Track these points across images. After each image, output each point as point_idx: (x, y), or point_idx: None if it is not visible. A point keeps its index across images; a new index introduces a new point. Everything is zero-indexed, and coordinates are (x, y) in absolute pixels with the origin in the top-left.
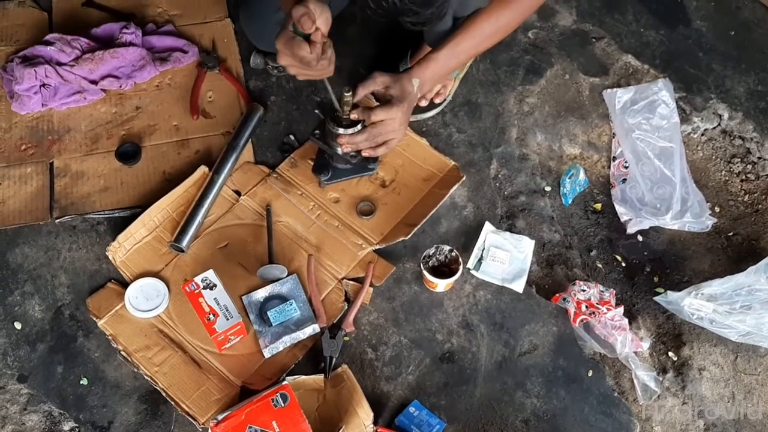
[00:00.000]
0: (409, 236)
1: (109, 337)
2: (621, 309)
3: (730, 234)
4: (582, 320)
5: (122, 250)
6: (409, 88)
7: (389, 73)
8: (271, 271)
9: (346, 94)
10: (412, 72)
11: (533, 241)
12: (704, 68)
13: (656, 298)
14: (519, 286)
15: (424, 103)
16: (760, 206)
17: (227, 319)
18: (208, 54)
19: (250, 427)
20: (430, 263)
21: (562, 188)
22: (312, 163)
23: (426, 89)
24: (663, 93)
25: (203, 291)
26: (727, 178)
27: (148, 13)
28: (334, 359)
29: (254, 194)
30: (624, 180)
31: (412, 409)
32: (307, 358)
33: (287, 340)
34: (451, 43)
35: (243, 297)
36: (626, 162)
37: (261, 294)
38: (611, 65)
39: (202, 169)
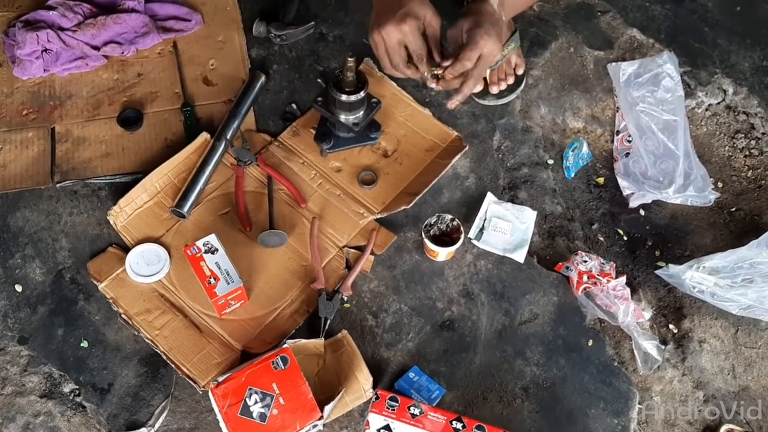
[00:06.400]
0: (411, 205)
1: (110, 301)
2: (623, 279)
3: (733, 209)
4: (584, 289)
5: (123, 215)
6: (487, 9)
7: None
8: (271, 238)
9: (349, 59)
10: None
11: (535, 212)
12: (709, 43)
13: (658, 272)
14: (520, 256)
15: (494, 90)
16: (763, 182)
17: (228, 284)
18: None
19: (250, 389)
20: (432, 232)
21: (564, 161)
22: (314, 132)
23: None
24: (668, 66)
25: (205, 255)
26: (730, 153)
27: None
28: (329, 320)
29: None
30: (627, 154)
31: (411, 374)
32: (307, 325)
33: None
34: None
35: None
36: (630, 136)
37: None
38: (616, 39)
39: (204, 136)
